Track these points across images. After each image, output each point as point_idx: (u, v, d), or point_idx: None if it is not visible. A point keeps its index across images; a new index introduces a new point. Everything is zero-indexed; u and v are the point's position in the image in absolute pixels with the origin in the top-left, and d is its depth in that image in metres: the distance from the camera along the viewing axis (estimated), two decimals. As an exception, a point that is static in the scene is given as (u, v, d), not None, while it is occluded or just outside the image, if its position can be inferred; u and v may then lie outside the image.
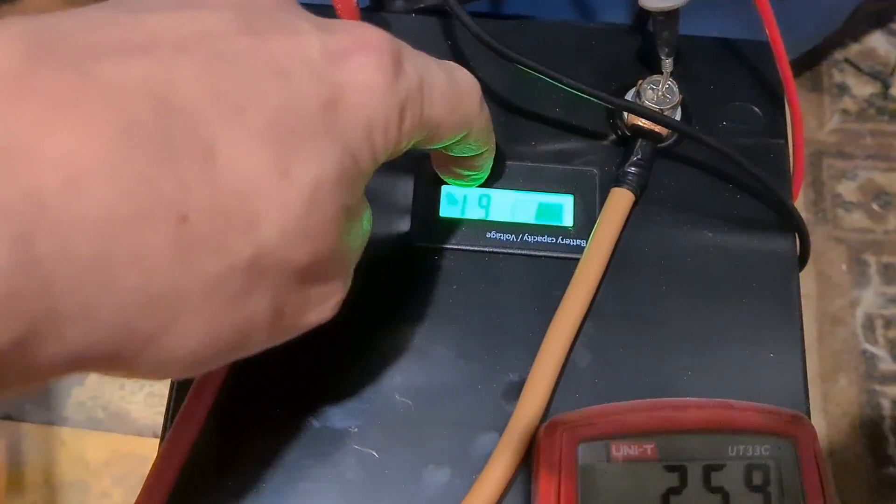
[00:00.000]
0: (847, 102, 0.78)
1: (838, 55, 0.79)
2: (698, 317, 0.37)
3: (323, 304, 0.26)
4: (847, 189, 0.74)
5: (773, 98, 0.42)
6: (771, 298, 0.38)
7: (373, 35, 0.25)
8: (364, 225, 0.30)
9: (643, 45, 0.43)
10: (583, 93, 0.36)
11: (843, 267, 0.69)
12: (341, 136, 0.23)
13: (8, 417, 0.68)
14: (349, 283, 0.28)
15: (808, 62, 0.78)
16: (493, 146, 0.35)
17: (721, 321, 0.37)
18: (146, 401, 0.69)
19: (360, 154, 0.24)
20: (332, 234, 0.23)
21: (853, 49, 0.79)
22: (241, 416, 0.35)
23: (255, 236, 0.21)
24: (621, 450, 0.30)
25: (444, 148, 0.32)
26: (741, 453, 0.30)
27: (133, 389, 0.70)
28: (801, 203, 0.74)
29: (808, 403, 0.36)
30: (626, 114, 0.40)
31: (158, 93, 0.20)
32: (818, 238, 0.72)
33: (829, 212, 0.74)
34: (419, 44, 0.42)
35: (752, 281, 0.38)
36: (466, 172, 0.36)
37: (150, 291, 0.20)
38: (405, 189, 0.39)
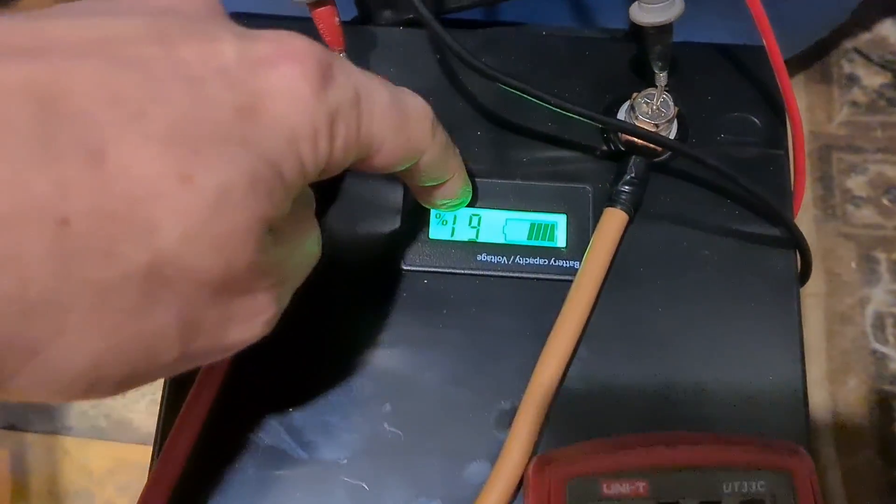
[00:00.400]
0: (857, 94, 0.76)
1: (847, 45, 0.77)
2: (695, 340, 0.36)
3: (250, 321, 0.25)
4: (857, 184, 0.73)
5: (773, 106, 0.41)
6: (771, 319, 0.37)
7: (298, 44, 0.24)
8: (308, 247, 0.29)
9: (637, 53, 0.41)
10: (572, 113, 0.35)
11: (853, 264, 0.68)
12: (258, 144, 0.22)
13: (12, 427, 0.69)
14: (285, 301, 0.27)
15: (817, 52, 0.76)
16: (461, 174, 0.34)
17: (719, 345, 0.36)
18: (148, 409, 0.69)
19: (282, 164, 0.23)
20: (247, 245, 0.22)
21: (863, 38, 0.77)
22: (228, 448, 0.35)
23: (152, 243, 0.20)
24: (612, 488, 0.29)
25: (404, 174, 0.31)
26: (736, 489, 0.29)
27: (135, 398, 0.70)
28: (808, 199, 0.72)
29: (809, 428, 0.35)
30: (620, 128, 0.39)
31: (43, 96, 0.19)
32: (827, 235, 0.70)
33: (839, 208, 0.72)
34: (407, 57, 0.41)
35: (752, 301, 0.37)
36: (440, 201, 0.35)
37: (28, 298, 0.19)
38: (393, 211, 0.38)
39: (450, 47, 0.34)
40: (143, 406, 0.69)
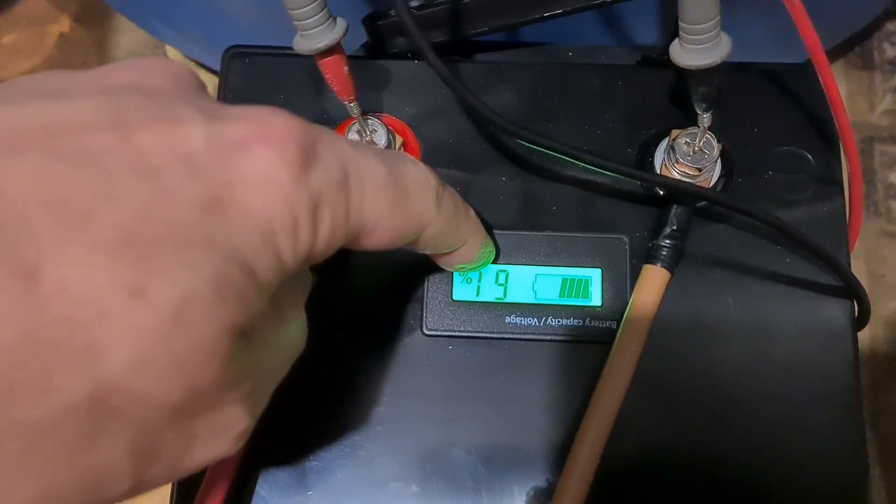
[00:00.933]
0: (901, 80, 0.71)
1: (890, 26, 0.72)
2: (745, 408, 0.34)
3: (218, 438, 0.22)
4: (901, 178, 0.69)
5: (824, 135, 0.37)
6: (827, 380, 0.34)
7: (276, 122, 0.21)
8: (289, 338, 0.25)
9: (675, 81, 0.38)
10: (609, 171, 0.31)
11: (898, 265, 0.64)
12: (226, 242, 0.19)
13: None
14: (260, 408, 0.24)
15: (858, 36, 0.71)
16: (477, 237, 0.31)
17: (771, 412, 0.33)
18: None
19: (256, 261, 0.20)
20: (213, 359, 0.19)
21: (907, 19, 0.72)
22: (246, 537, 0.33)
23: (95, 371, 0.17)
24: None
25: (409, 245, 0.28)
26: None
27: None
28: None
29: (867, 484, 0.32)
30: (658, 170, 0.36)
31: None
32: (869, 234, 0.67)
33: (882, 204, 0.68)
34: (421, 93, 0.38)
35: (806, 361, 0.34)
36: (457, 265, 0.32)
37: None
38: (413, 270, 0.35)
39: (472, 105, 0.31)
40: None
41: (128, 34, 0.76)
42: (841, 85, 0.71)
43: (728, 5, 0.32)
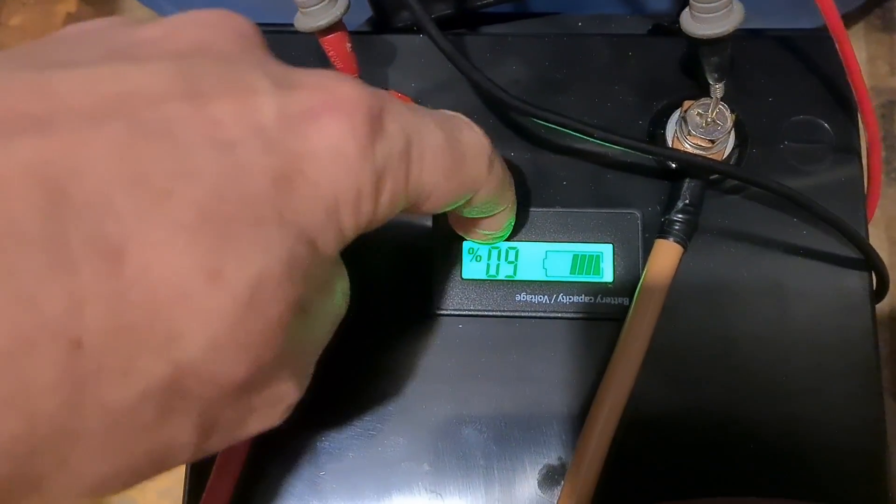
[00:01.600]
0: (922, 42, 0.69)
1: (912, -14, 0.70)
2: (761, 387, 0.33)
3: (271, 410, 0.22)
4: (923, 143, 0.67)
5: (841, 102, 0.36)
6: (846, 357, 0.33)
7: (346, 91, 0.20)
8: (336, 303, 0.25)
9: (686, 50, 0.37)
10: (621, 145, 0.31)
11: (919, 233, 0.63)
12: (295, 219, 0.19)
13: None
14: (307, 379, 0.24)
15: (877, -2, 0.69)
16: (512, 204, 0.31)
17: (788, 390, 0.33)
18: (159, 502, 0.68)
19: (321, 238, 0.20)
20: (278, 338, 0.19)
21: (929, -22, 0.70)
22: (260, 518, 0.33)
23: (174, 355, 0.17)
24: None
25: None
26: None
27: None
28: (870, 161, 0.67)
29: (889, 491, 0.32)
30: (670, 142, 0.35)
31: (53, 183, 0.16)
32: (891, 201, 0.65)
33: (903, 170, 0.67)
34: (426, 67, 0.37)
35: (823, 336, 0.34)
36: (483, 232, 0.32)
37: (36, 435, 0.16)
38: (422, 249, 0.35)
39: (477, 82, 0.30)
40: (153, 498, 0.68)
41: (133, 12, 0.75)
42: (861, 48, 0.69)
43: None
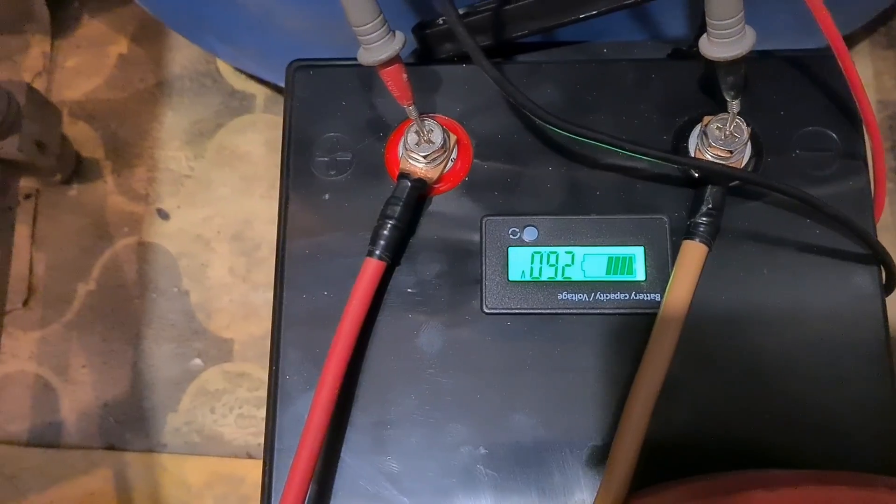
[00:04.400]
0: (926, 57, 0.73)
1: (914, 4, 0.74)
2: (782, 369, 0.37)
3: None
4: (930, 152, 0.70)
5: (847, 114, 0.40)
6: (859, 341, 0.37)
7: None
8: None
9: (705, 71, 0.41)
10: (647, 156, 0.35)
11: (931, 237, 0.66)
12: None
13: (111, 447, 0.72)
14: None
15: (882, 16, 0.73)
16: None
17: (806, 372, 0.36)
18: (237, 422, 0.72)
19: None
20: None
21: (930, -4, 0.73)
22: (335, 499, 0.37)
23: None
24: (713, 535, 0.30)
25: None
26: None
27: (223, 412, 0.72)
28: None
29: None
30: (693, 154, 0.39)
31: None
32: (901, 206, 0.69)
33: (912, 179, 0.70)
34: (471, 94, 0.41)
35: (838, 323, 0.37)
36: None
37: None
38: (473, 254, 0.39)
39: (521, 104, 0.34)
40: (231, 420, 0.72)
41: (182, 50, 0.80)
42: (867, 64, 0.73)
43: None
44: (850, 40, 0.74)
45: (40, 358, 0.75)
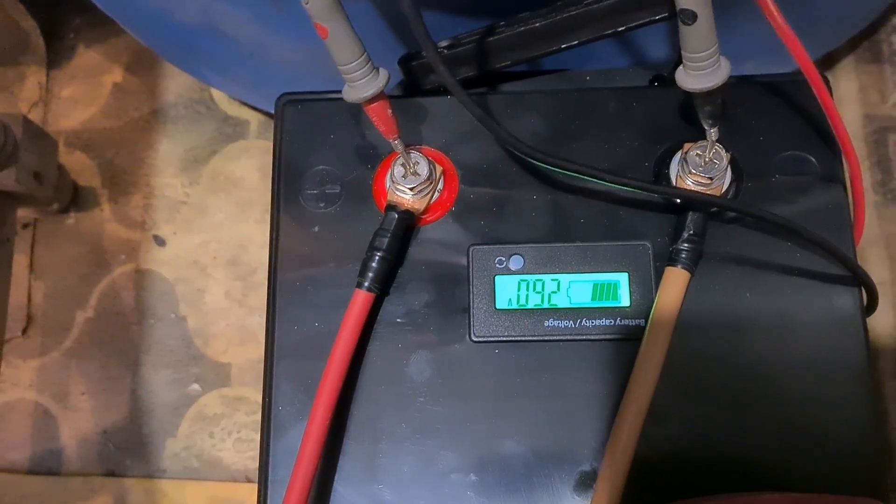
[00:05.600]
0: (910, 70, 0.74)
1: (896, 19, 0.75)
2: (767, 393, 0.37)
3: None
4: (916, 165, 0.71)
5: (825, 138, 0.41)
6: (841, 364, 0.37)
7: None
8: None
9: (684, 99, 0.42)
10: (629, 186, 0.35)
11: (918, 249, 0.67)
12: None
13: (111, 474, 0.73)
14: None
15: (865, 31, 0.74)
16: None
17: (790, 396, 0.37)
18: (235, 447, 0.72)
19: None
20: None
21: (913, 11, 0.75)
22: (328, 528, 0.37)
23: None
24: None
25: None
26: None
27: (222, 437, 0.73)
28: (867, 184, 0.71)
29: (887, 477, 0.35)
30: (674, 180, 0.39)
31: None
32: (888, 220, 0.69)
33: (899, 191, 0.71)
34: (456, 126, 0.42)
35: (820, 345, 0.38)
36: None
37: None
38: (460, 283, 0.40)
39: (502, 139, 0.35)
40: (230, 444, 0.72)
41: (176, 79, 0.81)
42: (852, 79, 0.74)
43: (732, 16, 0.36)
44: (835, 55, 0.75)
45: (40, 386, 0.76)
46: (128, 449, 0.73)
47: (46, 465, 0.74)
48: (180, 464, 0.72)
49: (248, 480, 0.71)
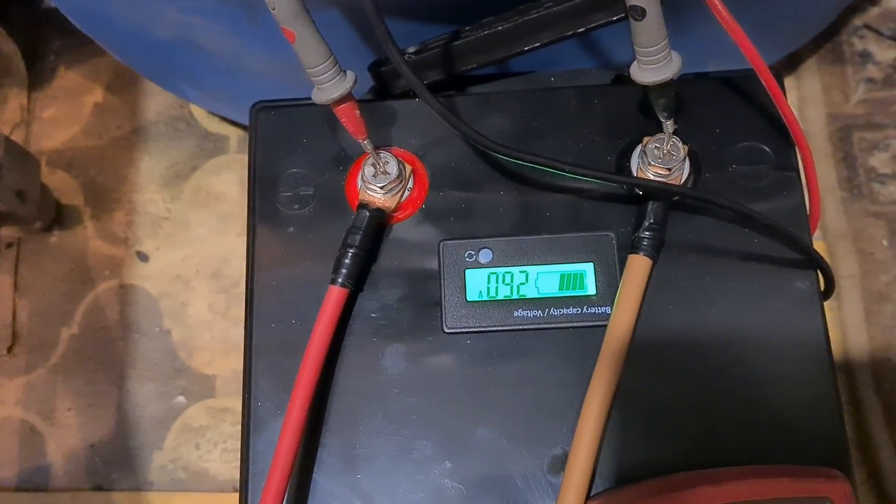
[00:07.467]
0: (871, 70, 0.76)
1: (857, 21, 0.77)
2: (729, 372, 0.39)
3: None
4: (880, 161, 0.73)
5: (779, 129, 0.42)
6: (800, 343, 0.39)
7: None
8: None
9: (644, 96, 0.43)
10: (590, 177, 0.37)
11: (884, 242, 0.69)
12: None
13: (99, 488, 0.73)
14: None
15: (827, 32, 0.76)
16: None
17: (752, 374, 0.38)
18: (222, 457, 0.73)
19: None
20: None
21: (872, 13, 0.77)
22: (308, 519, 0.38)
23: None
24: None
25: None
26: (780, 519, 0.32)
27: (208, 448, 0.73)
28: (833, 181, 0.73)
29: (847, 448, 0.37)
30: (635, 173, 0.41)
31: None
32: (855, 215, 0.71)
33: (864, 187, 0.73)
34: (425, 127, 0.44)
35: (779, 326, 0.39)
36: None
37: None
38: (431, 277, 0.41)
39: (466, 134, 0.36)
40: (216, 455, 0.73)
41: (156, 97, 0.83)
42: (815, 80, 0.76)
43: (690, 19, 0.37)
44: (799, 57, 0.78)
45: (26, 403, 0.76)
46: (115, 463, 0.74)
47: (34, 482, 0.74)
48: (167, 476, 0.73)
49: (235, 490, 0.71)
